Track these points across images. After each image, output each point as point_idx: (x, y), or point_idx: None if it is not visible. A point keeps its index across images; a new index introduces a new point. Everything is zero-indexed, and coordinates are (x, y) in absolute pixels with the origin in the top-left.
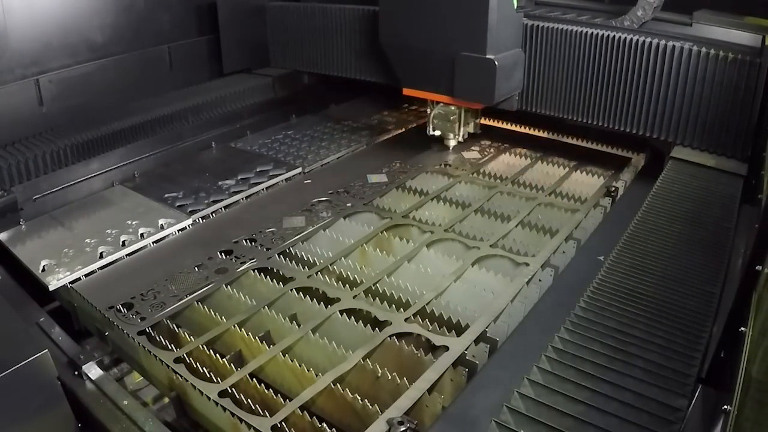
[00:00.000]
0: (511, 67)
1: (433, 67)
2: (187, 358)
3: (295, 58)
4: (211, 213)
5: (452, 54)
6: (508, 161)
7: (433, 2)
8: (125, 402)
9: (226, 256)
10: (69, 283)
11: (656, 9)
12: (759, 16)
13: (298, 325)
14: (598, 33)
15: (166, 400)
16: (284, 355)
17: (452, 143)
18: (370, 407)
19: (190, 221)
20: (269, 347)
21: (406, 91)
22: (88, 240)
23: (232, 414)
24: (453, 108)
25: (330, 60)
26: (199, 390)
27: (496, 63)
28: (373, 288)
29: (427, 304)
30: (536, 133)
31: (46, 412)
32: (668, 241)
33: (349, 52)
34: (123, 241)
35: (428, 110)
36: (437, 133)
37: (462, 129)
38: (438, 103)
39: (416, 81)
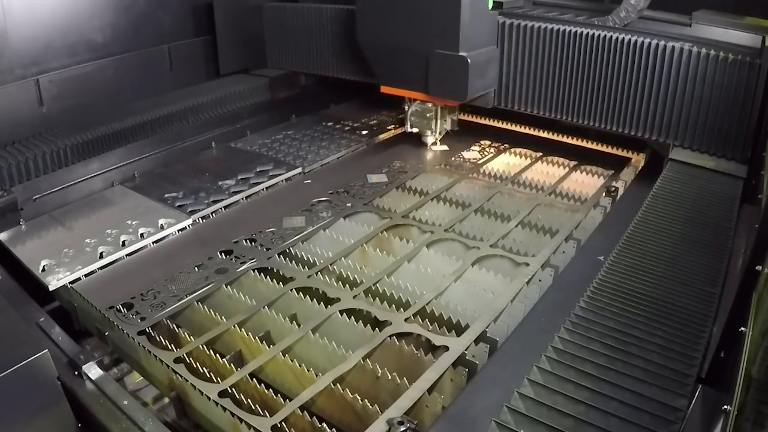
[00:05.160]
0: (484, 64)
1: (408, 65)
2: (187, 358)
3: (291, 58)
4: (211, 213)
5: (426, 51)
6: (508, 161)
7: (408, 1)
8: (125, 402)
9: (226, 256)
10: (69, 283)
11: (640, 11)
12: (759, 16)
13: (298, 325)
14: (597, 33)
15: (166, 400)
16: (284, 355)
17: (430, 140)
18: (370, 407)
19: (190, 221)
20: (269, 347)
21: (384, 89)
22: (88, 240)
23: (232, 414)
24: (429, 105)
25: (325, 60)
26: (199, 390)
27: (469, 60)
28: (373, 288)
29: (427, 304)
30: (536, 133)
31: (46, 412)
32: (668, 242)
33: (344, 53)
34: (123, 241)
35: (406, 107)
36: (415, 130)
37: (439, 126)
38: (415, 100)
39: (393, 79)
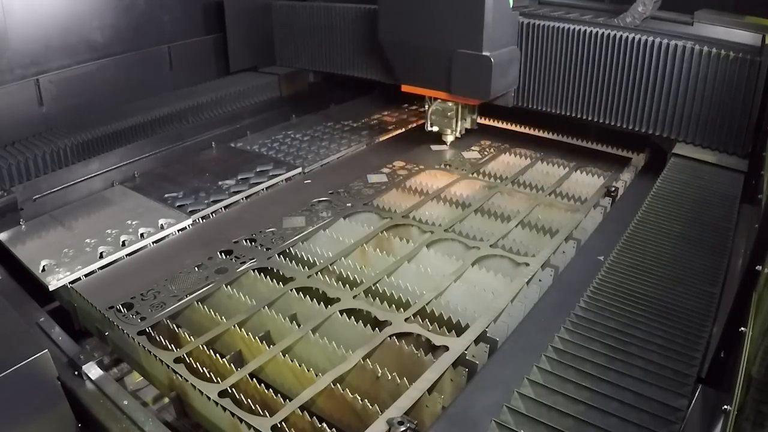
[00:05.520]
0: (506, 63)
1: (430, 64)
2: (187, 358)
3: (300, 56)
4: (211, 213)
5: (449, 51)
6: (508, 161)
7: (431, 1)
8: (125, 402)
9: (226, 256)
10: (69, 283)
11: (646, 18)
12: (759, 16)
13: (298, 325)
14: (602, 32)
15: (166, 400)
16: (284, 355)
17: (450, 139)
18: (370, 407)
19: (190, 221)
20: (269, 347)
21: (405, 88)
22: (88, 240)
23: (232, 414)
24: (450, 104)
25: (334, 58)
26: (199, 390)
27: (492, 60)
28: (373, 288)
29: (427, 304)
30: (536, 133)
31: (46, 412)
32: (668, 242)
33: (353, 51)
34: (123, 241)
35: (426, 106)
36: (435, 128)
37: (459, 125)
38: (436, 99)
39: (415, 78)
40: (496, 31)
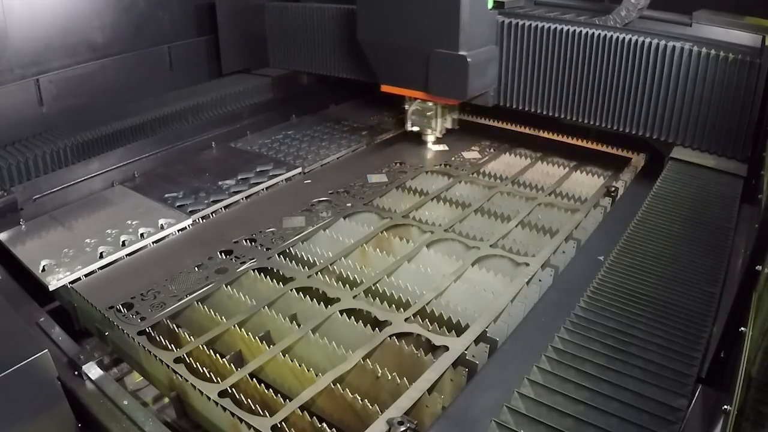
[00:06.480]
0: (484, 63)
1: (408, 64)
2: (187, 358)
3: (293, 58)
4: (211, 213)
5: (426, 51)
6: (508, 161)
7: (408, 0)
8: (125, 402)
9: (226, 256)
10: (69, 283)
11: (641, 9)
12: (759, 16)
13: (298, 325)
14: (598, 33)
15: (166, 400)
16: (284, 355)
17: (431, 138)
18: (370, 407)
19: (190, 221)
20: (269, 347)
21: (384, 88)
22: (88, 240)
23: (232, 414)
24: (430, 104)
25: (327, 60)
26: (199, 390)
27: (469, 59)
28: (373, 288)
29: (427, 304)
30: (536, 133)
31: (46, 412)
32: (668, 242)
33: (344, 52)
34: (123, 241)
35: (406, 107)
36: (415, 128)
37: (440, 124)
38: (415, 99)
39: (393, 78)
40: (472, 31)
